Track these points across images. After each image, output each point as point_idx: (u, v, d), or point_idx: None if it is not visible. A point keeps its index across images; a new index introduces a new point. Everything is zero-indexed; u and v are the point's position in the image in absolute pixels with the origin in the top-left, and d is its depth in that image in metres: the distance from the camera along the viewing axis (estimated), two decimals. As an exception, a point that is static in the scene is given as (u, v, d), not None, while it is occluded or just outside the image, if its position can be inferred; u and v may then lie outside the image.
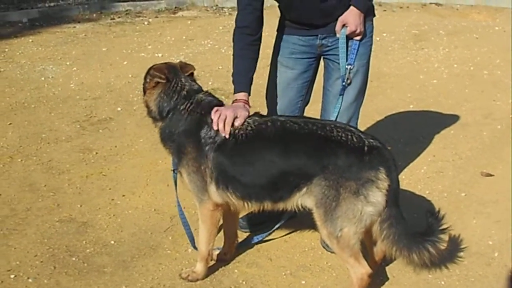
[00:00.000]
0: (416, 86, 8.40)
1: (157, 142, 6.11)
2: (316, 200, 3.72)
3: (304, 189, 3.74)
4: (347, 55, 4.27)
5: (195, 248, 4.25)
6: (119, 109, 7.15)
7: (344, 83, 4.30)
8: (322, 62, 4.54)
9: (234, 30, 4.26)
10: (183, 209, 4.32)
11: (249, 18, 4.19)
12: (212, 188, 3.85)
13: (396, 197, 3.70)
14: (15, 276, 4.08)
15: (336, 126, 3.79)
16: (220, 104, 4.01)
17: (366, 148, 3.67)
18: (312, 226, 4.64)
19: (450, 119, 7.12)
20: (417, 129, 6.88)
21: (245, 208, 4.00)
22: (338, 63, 4.31)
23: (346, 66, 4.27)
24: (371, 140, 3.72)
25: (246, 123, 3.87)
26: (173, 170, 4.08)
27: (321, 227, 3.76)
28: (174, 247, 4.50)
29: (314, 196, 3.71)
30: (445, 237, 3.74)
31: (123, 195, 5.21)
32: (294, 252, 4.52)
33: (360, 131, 3.84)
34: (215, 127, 3.80)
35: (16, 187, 5.26)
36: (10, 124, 6.57)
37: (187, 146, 3.87)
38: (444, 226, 3.72)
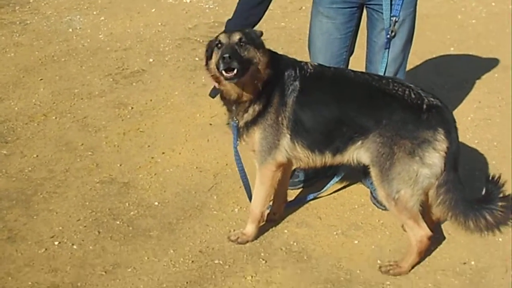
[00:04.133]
0: (455, 27, 7.99)
1: (193, 94, 6.07)
2: (371, 157, 3.54)
3: (359, 143, 3.58)
4: (391, 5, 3.98)
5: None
6: (151, 60, 6.91)
7: (388, 36, 4.02)
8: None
9: None
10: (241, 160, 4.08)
11: None
12: (285, 141, 3.69)
13: (456, 161, 3.48)
14: (59, 242, 3.97)
15: (394, 80, 3.57)
16: None
17: (425, 106, 3.44)
18: (360, 182, 4.48)
19: (493, 62, 6.77)
20: (459, 74, 6.56)
21: (309, 162, 3.81)
22: (382, 13, 4.01)
23: (391, 18, 3.98)
24: (432, 99, 3.48)
25: (311, 66, 3.74)
26: (232, 120, 3.82)
27: (378, 188, 3.59)
28: (220, 207, 4.35)
29: (370, 153, 3.54)
30: (505, 203, 3.51)
31: (163, 153, 5.04)
32: (344, 210, 4.34)
33: (421, 88, 3.59)
34: None
35: (53, 147, 5.11)
36: (41, 79, 6.37)
37: (273, 95, 3.67)
38: (504, 194, 3.49)
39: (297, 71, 3.72)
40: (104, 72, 6.58)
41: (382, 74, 4.08)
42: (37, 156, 4.97)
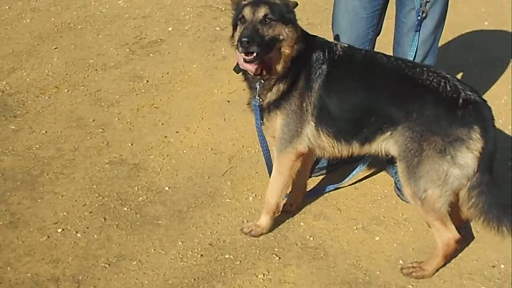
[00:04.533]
0: (490, -1, 7.52)
1: (212, 67, 5.78)
2: (399, 150, 3.28)
3: (388, 133, 3.33)
4: None
5: None
6: (170, 29, 6.61)
7: (419, 18, 3.67)
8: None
9: None
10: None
11: None
12: (309, 128, 3.45)
13: (491, 162, 3.18)
14: (63, 230, 3.78)
15: (429, 69, 3.25)
16: None
17: (461, 100, 3.12)
18: (384, 170, 4.19)
19: (530, 38, 6.32)
20: (493, 51, 6.15)
21: (335, 152, 3.55)
22: None
23: None
24: (469, 93, 3.16)
25: (340, 48, 3.46)
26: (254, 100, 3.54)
27: (403, 184, 3.32)
28: (234, 194, 4.10)
29: (398, 146, 3.29)
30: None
31: (177, 132, 4.79)
32: (365, 202, 4.07)
33: (458, 80, 3.26)
34: None
35: (63, 123, 4.88)
36: (56, 48, 6.13)
37: (299, 77, 3.41)
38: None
39: (326, 54, 3.43)
40: (121, 42, 6.31)
41: (411, 58, 3.78)
42: (46, 132, 4.75)
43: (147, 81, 5.53)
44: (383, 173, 4.28)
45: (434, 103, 3.17)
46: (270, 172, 3.75)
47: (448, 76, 3.26)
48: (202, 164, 4.41)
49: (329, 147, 3.51)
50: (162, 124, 4.89)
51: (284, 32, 3.27)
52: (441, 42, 5.89)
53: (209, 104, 5.18)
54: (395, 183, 4.10)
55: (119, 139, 4.68)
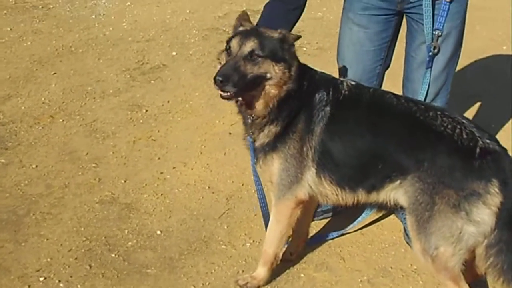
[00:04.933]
0: (508, 22, 7.16)
1: (215, 96, 5.49)
2: (409, 202, 3.00)
3: (397, 182, 3.03)
4: (433, 17, 3.35)
5: None
6: (174, 53, 6.38)
7: (430, 53, 3.38)
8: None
9: None
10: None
11: None
12: (310, 175, 3.15)
13: (511, 218, 2.84)
14: (45, 278, 3.51)
15: (443, 113, 2.95)
16: None
17: (478, 149, 2.82)
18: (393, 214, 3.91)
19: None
20: (512, 78, 5.83)
21: (338, 199, 3.25)
22: (423, 25, 3.37)
23: (433, 32, 3.35)
24: (487, 141, 2.86)
25: (346, 86, 3.16)
26: (248, 135, 3.27)
27: (413, 239, 3.05)
28: (230, 240, 3.82)
29: (408, 197, 3.00)
30: None
31: (174, 167, 4.52)
32: (372, 250, 3.77)
33: (475, 125, 2.96)
34: None
35: (55, 156, 4.64)
36: (55, 73, 5.92)
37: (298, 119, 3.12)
38: None
39: (330, 93, 3.14)
40: (122, 67, 6.10)
41: (422, 96, 3.49)
42: (36, 166, 4.51)
43: (146, 111, 5.29)
44: (392, 217, 3.99)
45: (448, 152, 2.87)
46: (265, 222, 3.47)
47: (465, 121, 2.96)
48: (197, 204, 4.14)
49: (332, 194, 3.22)
50: (159, 158, 4.63)
51: (273, 70, 2.97)
52: (456, 68, 5.63)
53: (209, 137, 4.92)
54: (405, 230, 3.80)
55: (112, 175, 4.43)
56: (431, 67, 3.44)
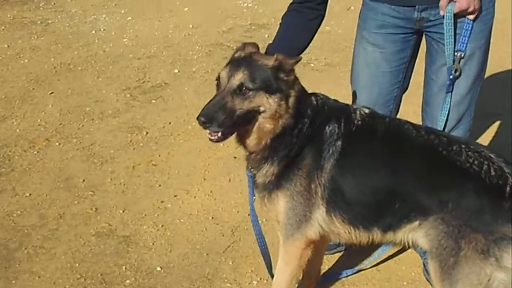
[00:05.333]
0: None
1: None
2: (431, 246, 2.70)
3: (416, 223, 2.73)
4: (455, 38, 3.06)
5: (272, 276, 3.22)
6: (176, 71, 6.14)
7: (451, 77, 3.10)
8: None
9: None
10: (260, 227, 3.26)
11: None
12: (319, 213, 2.85)
13: None
14: (35, 323, 3.24)
15: (469, 146, 2.66)
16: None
17: (508, 188, 2.53)
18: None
19: None
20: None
21: (352, 238, 2.94)
22: (444, 45, 3.10)
23: (455, 53, 3.07)
24: (519, 177, 2.56)
25: (359, 115, 2.86)
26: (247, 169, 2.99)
27: (436, 286, 2.72)
28: (235, 277, 3.55)
29: (429, 240, 2.70)
30: None
31: (175, 195, 4.26)
32: (389, 287, 3.47)
33: (503, 160, 2.66)
34: None
35: (50, 183, 4.39)
36: (52, 93, 5.69)
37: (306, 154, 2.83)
38: None
39: (342, 125, 2.83)
40: (122, 86, 5.86)
41: (442, 122, 3.20)
42: (30, 195, 4.26)
43: (147, 133, 5.04)
44: (410, 250, 3.70)
45: (475, 192, 2.58)
46: (266, 262, 3.22)
47: (492, 156, 2.67)
48: (200, 237, 3.87)
49: (345, 233, 2.93)
50: (159, 185, 4.37)
51: (267, 103, 2.67)
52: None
53: (213, 161, 4.65)
54: (424, 265, 3.52)
55: (110, 204, 4.17)
56: (451, 92, 3.17)
